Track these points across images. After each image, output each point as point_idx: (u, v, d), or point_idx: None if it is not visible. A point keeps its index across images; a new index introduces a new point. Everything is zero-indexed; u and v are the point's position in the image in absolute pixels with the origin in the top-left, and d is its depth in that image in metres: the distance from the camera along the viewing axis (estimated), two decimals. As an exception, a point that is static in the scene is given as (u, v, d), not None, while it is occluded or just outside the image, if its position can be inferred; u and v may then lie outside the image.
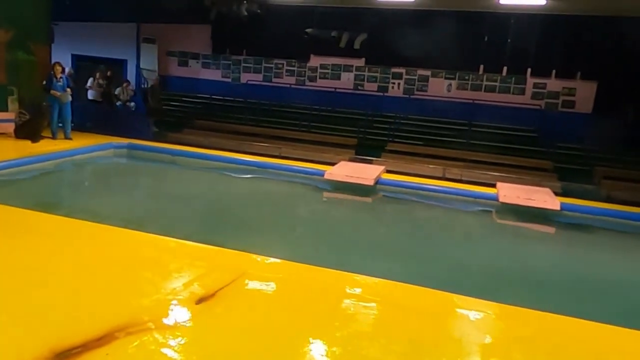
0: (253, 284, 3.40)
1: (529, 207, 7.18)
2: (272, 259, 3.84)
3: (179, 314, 2.81)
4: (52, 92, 8.92)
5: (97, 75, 14.01)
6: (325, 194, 7.99)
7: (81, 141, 9.13)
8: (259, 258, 3.87)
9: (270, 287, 3.43)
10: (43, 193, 6.62)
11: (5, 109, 9.66)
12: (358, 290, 3.43)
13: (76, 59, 16.37)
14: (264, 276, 3.54)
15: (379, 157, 11.10)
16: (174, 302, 2.96)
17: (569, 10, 12.69)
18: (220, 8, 15.29)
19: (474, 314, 3.23)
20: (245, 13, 14.91)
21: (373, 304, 3.25)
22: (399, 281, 3.58)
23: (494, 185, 8.52)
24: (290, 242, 5.14)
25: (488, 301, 3.42)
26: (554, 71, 13.89)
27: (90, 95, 13.85)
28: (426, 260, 5.07)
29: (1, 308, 2.76)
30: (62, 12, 12.40)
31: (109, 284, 3.22)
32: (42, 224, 4.42)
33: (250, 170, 8.72)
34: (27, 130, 8.69)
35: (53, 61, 10.80)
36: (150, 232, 4.32)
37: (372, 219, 6.87)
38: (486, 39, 14.28)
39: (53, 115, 9.05)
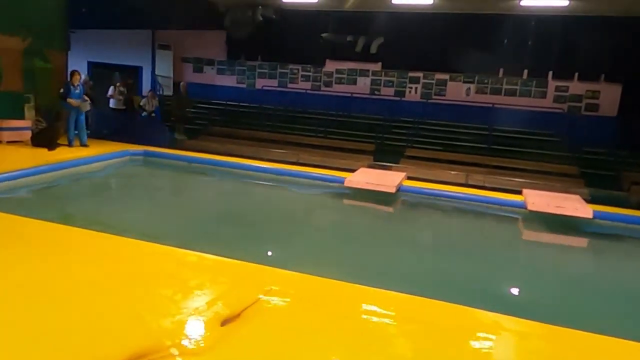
0: (280, 302, 3.18)
1: (559, 215, 6.88)
2: (298, 273, 3.62)
3: (203, 338, 2.61)
4: (69, 100, 8.86)
5: (118, 83, 13.96)
6: (346, 202, 7.77)
7: (97, 149, 9.04)
8: (284, 272, 3.66)
9: (299, 304, 3.21)
10: (59, 203, 6.49)
11: (22, 117, 9.62)
12: (393, 309, 3.20)
13: (92, 66, 16.41)
14: (290, 292, 3.33)
15: (398, 163, 10.86)
16: (198, 323, 2.76)
17: (592, 11, 12.36)
18: (235, 13, 15.25)
19: (512, 333, 2.98)
20: (261, 18, 14.84)
21: (409, 324, 3.02)
22: (436, 299, 3.33)
23: (518, 192, 8.22)
24: (315, 254, 4.91)
25: (518, 318, 3.17)
26: (576, 74, 13.54)
27: (112, 103, 13.80)
28: (463, 275, 4.80)
29: (13, 330, 2.59)
30: (78, 20, 12.39)
31: (127, 302, 3.04)
32: (57, 236, 4.27)
33: (269, 178, 8.53)
34: (44, 138, 8.61)
35: (70, 69, 10.79)
36: (168, 245, 4.14)
37: (397, 229, 6.62)
38: (506, 41, 13.98)
39: (70, 123, 8.97)
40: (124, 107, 13.64)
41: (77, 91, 9.01)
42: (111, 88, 13.89)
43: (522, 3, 11.97)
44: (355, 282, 3.55)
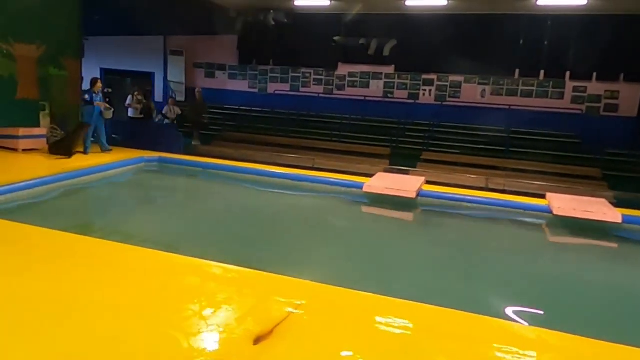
0: (311, 316, 3.04)
1: (586, 220, 6.67)
2: (329, 286, 3.48)
3: (238, 358, 2.48)
4: (97, 103, 9.01)
5: (136, 92, 13.93)
6: (366, 208, 7.62)
7: (112, 156, 9.00)
8: (313, 285, 3.52)
9: (332, 319, 3.07)
10: (76, 212, 6.42)
11: (37, 125, 9.61)
12: (431, 323, 3.05)
13: (105, 73, 16.45)
14: (322, 306, 3.19)
15: (415, 167, 10.68)
16: (229, 342, 2.63)
17: (611, 10, 12.10)
18: (247, 18, 15.19)
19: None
20: (273, 22, 14.76)
21: (450, 340, 2.86)
22: (480, 313, 3.17)
23: (540, 196, 8.03)
24: (343, 265, 4.76)
25: (563, 333, 3.00)
26: (595, 74, 13.27)
27: (131, 113, 13.76)
28: (498, 286, 4.63)
29: (36, 349, 2.47)
30: (91, 27, 12.42)
31: (154, 319, 2.91)
32: (74, 247, 4.17)
33: (286, 184, 8.41)
34: (63, 148, 8.54)
35: (87, 76, 10.80)
36: (190, 256, 4.03)
37: (423, 236, 6.42)
38: (521, 42, 13.75)
39: (89, 130, 8.99)
40: (142, 116, 13.60)
41: (98, 99, 9.15)
42: (129, 97, 13.84)
43: (539, 2, 11.76)
44: (393, 294, 3.40)
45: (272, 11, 14.74)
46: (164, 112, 13.50)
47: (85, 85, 11.69)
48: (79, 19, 10.66)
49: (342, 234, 6.13)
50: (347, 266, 4.69)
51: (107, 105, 9.50)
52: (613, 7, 11.78)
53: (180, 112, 13.84)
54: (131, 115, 13.71)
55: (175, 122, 13.51)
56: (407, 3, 12.60)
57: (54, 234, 4.42)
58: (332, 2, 13.38)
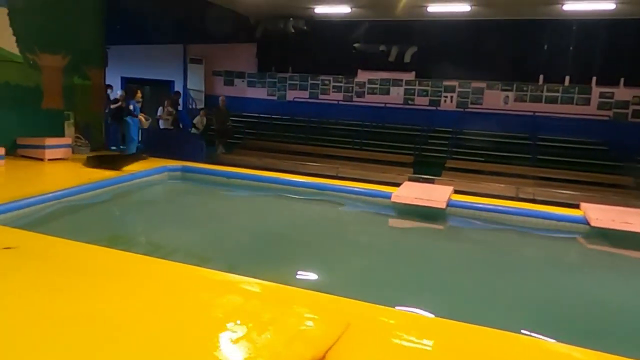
0: (364, 339, 2.89)
1: (625, 232, 6.42)
2: (377, 306, 3.33)
3: (293, 388, 2.34)
4: (140, 116, 9.26)
5: (166, 103, 13.98)
6: (395, 219, 7.45)
7: (135, 165, 8.94)
8: (361, 304, 3.36)
9: (386, 341, 2.91)
10: (101, 224, 6.35)
11: (62, 134, 9.64)
12: (485, 344, 2.88)
13: (125, 81, 16.57)
14: (372, 328, 3.04)
15: (439, 175, 10.51)
16: (282, 368, 2.49)
17: (638, 14, 11.85)
18: (267, 26, 15.20)
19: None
20: (293, 30, 14.75)
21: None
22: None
23: (571, 205, 7.79)
24: (387, 282, 4.61)
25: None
26: (622, 79, 13.00)
27: (162, 124, 13.82)
28: (546, 304, 4.44)
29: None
30: (112, 36, 12.48)
31: (199, 344, 2.79)
32: (102, 260, 4.07)
33: (311, 193, 8.27)
34: (111, 164, 8.42)
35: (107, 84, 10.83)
36: (224, 270, 3.91)
37: (458, 251, 6.19)
38: (546, 47, 13.54)
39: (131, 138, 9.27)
40: (172, 127, 13.63)
41: (138, 107, 9.61)
42: (160, 109, 13.88)
43: (565, 8, 11.55)
44: (439, 314, 3.24)
45: (291, 19, 14.74)
46: (194, 121, 13.50)
47: (112, 94, 11.79)
48: (103, 28, 10.70)
49: (376, 247, 5.98)
50: (387, 282, 4.54)
51: (146, 116, 9.70)
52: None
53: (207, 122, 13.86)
54: (162, 127, 13.74)
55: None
56: (429, 9, 12.48)
57: (85, 248, 4.34)
58: (353, 9, 13.32)
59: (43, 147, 8.55)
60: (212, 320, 3.07)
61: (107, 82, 11.40)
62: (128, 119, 9.53)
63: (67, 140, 9.23)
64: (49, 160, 8.61)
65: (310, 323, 3.10)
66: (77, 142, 9.87)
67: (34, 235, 4.64)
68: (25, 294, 3.29)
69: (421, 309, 3.65)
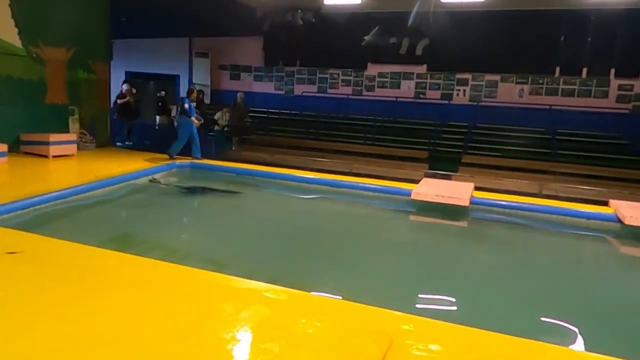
0: (411, 357, 2.57)
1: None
2: (421, 317, 3.01)
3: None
4: (193, 118, 9.17)
5: (224, 110, 13.37)
6: (416, 217, 7.13)
7: (144, 162, 8.65)
8: (400, 315, 3.04)
9: (432, 357, 2.59)
10: (109, 224, 6.03)
11: (66, 130, 9.34)
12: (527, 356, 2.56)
13: (130, 76, 16.23)
14: (418, 345, 2.71)
15: (456, 171, 10.13)
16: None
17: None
18: (274, 18, 14.81)
19: None
20: (301, 22, 14.36)
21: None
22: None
23: (598, 202, 7.45)
24: (412, 287, 4.29)
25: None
26: (642, 71, 12.59)
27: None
28: (587, 309, 4.12)
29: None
30: (117, 30, 12.14)
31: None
32: (115, 265, 3.76)
33: (327, 190, 7.96)
34: None
35: (114, 80, 10.53)
36: (243, 276, 3.60)
37: (489, 253, 5.83)
38: (562, 38, 13.10)
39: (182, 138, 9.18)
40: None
41: (193, 106, 9.42)
42: (218, 114, 13.33)
43: (584, -3, 11.15)
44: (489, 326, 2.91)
45: (299, 10, 14.34)
46: (215, 117, 12.99)
47: (115, 89, 11.46)
48: (108, 21, 10.37)
49: (400, 248, 5.65)
50: (417, 289, 4.21)
51: (199, 117, 9.60)
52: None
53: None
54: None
55: (224, 129, 13.02)
56: (443, 0, 12.08)
57: (96, 252, 4.03)
58: (362, 0, 12.94)
59: (47, 143, 8.25)
60: (240, 337, 2.74)
61: (113, 77, 11.07)
62: (179, 117, 9.24)
63: (72, 136, 8.92)
64: (54, 157, 8.32)
65: (345, 337, 2.77)
66: (83, 139, 9.58)
67: (40, 238, 4.33)
68: (34, 303, 2.98)
69: (462, 317, 3.33)
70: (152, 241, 5.21)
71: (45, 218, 5.59)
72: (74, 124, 9.53)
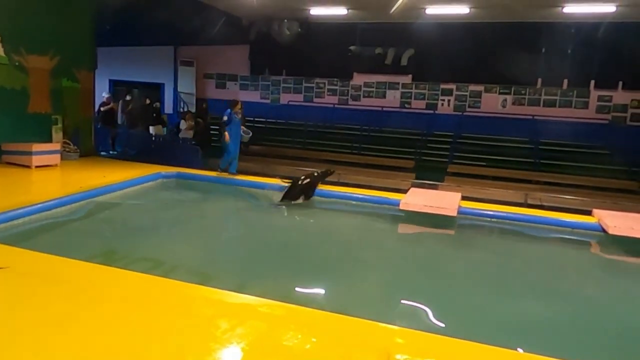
0: (409, 375, 2.57)
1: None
2: (417, 331, 3.01)
3: None
4: (225, 133, 8.65)
5: (187, 116, 12.89)
6: (405, 227, 7.17)
7: (129, 172, 8.51)
8: (398, 330, 3.04)
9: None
10: (95, 236, 5.90)
11: (50, 140, 9.16)
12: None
13: (113, 84, 16.06)
14: (415, 359, 2.71)
15: (442, 180, 10.24)
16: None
17: (637, 17, 11.75)
18: (260, 27, 14.83)
19: None
20: (287, 32, 14.40)
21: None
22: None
23: (581, 212, 7.59)
24: (402, 297, 4.29)
25: None
26: (620, 82, 12.91)
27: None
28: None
29: None
30: (101, 38, 12.01)
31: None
32: (101, 279, 3.69)
33: (313, 200, 7.93)
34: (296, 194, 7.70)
35: (98, 88, 10.37)
36: (236, 291, 3.57)
37: (482, 263, 5.87)
38: (544, 50, 13.38)
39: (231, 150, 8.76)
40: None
41: (237, 120, 8.81)
42: (181, 122, 12.86)
43: (565, 10, 11.40)
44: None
45: (286, 20, 14.40)
46: (180, 126, 12.84)
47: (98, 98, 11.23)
48: (92, 29, 10.25)
49: (389, 259, 5.65)
50: (408, 298, 4.21)
51: (246, 129, 9.06)
52: (637, 15, 11.42)
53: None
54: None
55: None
56: (428, 11, 12.25)
57: (74, 264, 3.95)
58: (349, 11, 13.04)
59: (30, 153, 8.07)
60: (237, 355, 2.70)
61: (98, 85, 10.91)
62: (224, 129, 8.75)
63: (55, 146, 8.75)
64: (37, 167, 8.14)
65: (343, 353, 2.75)
66: (66, 148, 9.41)
67: (25, 253, 4.22)
68: (20, 319, 2.90)
69: (455, 329, 3.34)
70: (137, 254, 5.12)
71: (29, 231, 5.46)
72: (57, 134, 9.36)
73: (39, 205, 5.97)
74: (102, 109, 12.02)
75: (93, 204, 6.81)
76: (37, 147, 8.18)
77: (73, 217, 6.24)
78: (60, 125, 9.47)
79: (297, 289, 4.41)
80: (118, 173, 8.31)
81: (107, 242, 5.60)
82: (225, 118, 8.70)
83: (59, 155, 8.61)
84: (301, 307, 3.29)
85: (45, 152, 8.36)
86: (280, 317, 3.19)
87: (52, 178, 7.86)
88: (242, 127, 9.01)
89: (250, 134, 9.19)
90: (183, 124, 12.71)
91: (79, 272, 3.85)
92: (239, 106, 8.94)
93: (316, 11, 13.41)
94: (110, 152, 11.74)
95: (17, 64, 8.55)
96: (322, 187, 8.19)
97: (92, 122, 10.58)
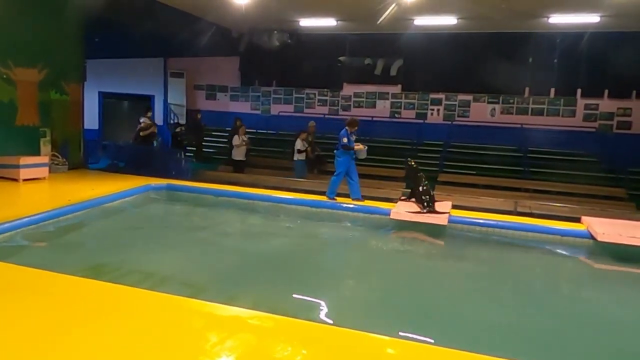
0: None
1: (632, 246, 6.27)
2: (407, 341, 3.00)
3: None
4: (356, 148, 7.85)
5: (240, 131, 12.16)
6: (396, 236, 7.15)
7: (118, 184, 8.45)
8: (388, 340, 3.03)
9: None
10: (86, 249, 5.86)
11: (38, 153, 9.09)
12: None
13: (103, 96, 16.00)
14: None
15: (433, 190, 10.23)
16: None
17: (622, 27, 11.96)
18: (250, 39, 14.88)
19: None
20: (277, 43, 14.46)
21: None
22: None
23: (570, 219, 7.65)
24: (404, 310, 4.28)
25: None
26: (606, 91, 13.11)
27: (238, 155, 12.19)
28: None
29: None
30: (91, 50, 11.99)
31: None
32: (90, 294, 3.65)
33: (304, 211, 7.93)
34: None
35: (87, 100, 10.28)
36: (226, 303, 3.55)
37: (470, 271, 5.90)
38: (531, 60, 13.55)
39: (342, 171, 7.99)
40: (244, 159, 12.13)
41: (353, 139, 7.98)
42: (235, 137, 12.13)
43: (551, 20, 11.58)
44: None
45: (276, 32, 14.46)
46: (299, 147, 11.75)
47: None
48: (81, 41, 10.23)
49: (379, 269, 5.65)
50: (400, 309, 4.21)
51: (363, 144, 8.09)
52: (625, 24, 11.63)
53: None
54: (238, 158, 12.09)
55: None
56: (416, 22, 12.38)
57: (62, 278, 3.91)
58: (338, 22, 13.14)
59: (17, 166, 7.99)
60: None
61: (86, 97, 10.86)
62: (338, 152, 7.98)
63: (43, 159, 8.68)
64: (24, 180, 8.06)
65: (336, 366, 2.74)
66: (55, 161, 9.34)
67: (13, 267, 4.17)
68: (5, 336, 2.85)
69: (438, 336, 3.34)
70: (127, 266, 5.07)
71: (16, 245, 5.39)
72: (45, 146, 9.29)
73: (27, 219, 5.91)
74: (141, 133, 11.50)
75: (81, 217, 6.75)
76: (24, 160, 8.11)
77: (61, 231, 6.18)
78: (48, 137, 9.40)
79: (285, 299, 4.38)
80: (107, 185, 8.25)
81: (96, 256, 5.54)
82: (345, 140, 7.83)
83: (47, 168, 8.53)
84: (291, 318, 3.28)
85: (33, 165, 8.29)
86: (270, 329, 3.17)
87: (40, 191, 7.79)
88: (357, 143, 8.03)
89: (366, 147, 8.15)
90: (236, 140, 11.99)
91: (67, 287, 3.81)
92: (356, 125, 8.06)
93: (305, 22, 13.49)
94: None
95: (4, 76, 8.50)
96: (310, 198, 8.19)
97: (81, 134, 10.50)
